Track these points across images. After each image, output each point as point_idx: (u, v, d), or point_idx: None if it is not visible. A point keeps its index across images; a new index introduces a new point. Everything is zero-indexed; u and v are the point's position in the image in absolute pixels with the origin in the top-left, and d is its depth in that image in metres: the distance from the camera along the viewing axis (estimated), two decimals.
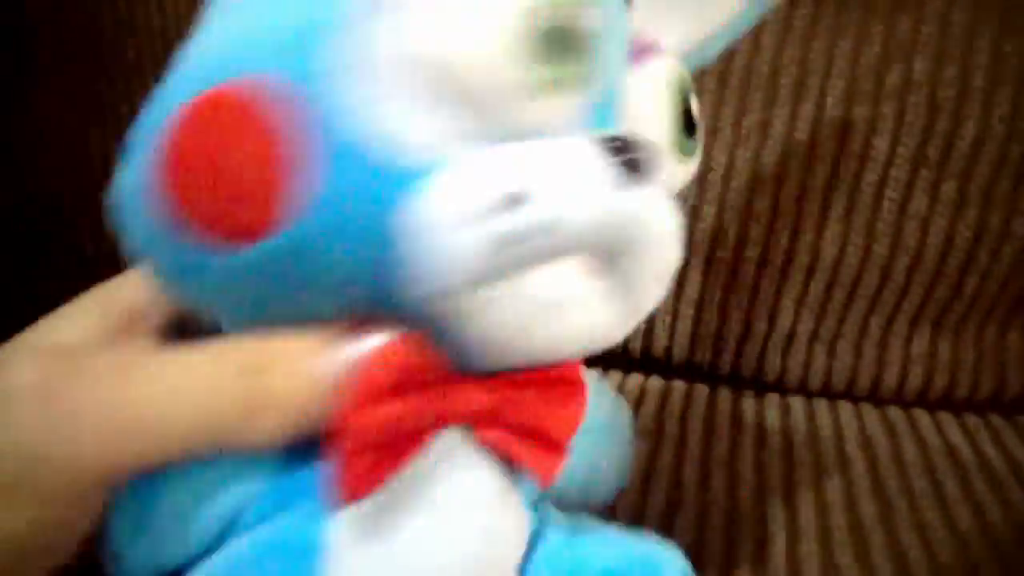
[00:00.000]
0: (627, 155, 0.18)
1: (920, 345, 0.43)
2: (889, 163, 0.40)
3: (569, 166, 0.17)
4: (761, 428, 0.41)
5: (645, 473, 0.37)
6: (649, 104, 0.23)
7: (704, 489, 0.36)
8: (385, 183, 0.17)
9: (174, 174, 0.17)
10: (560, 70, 0.17)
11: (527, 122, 0.18)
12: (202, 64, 0.18)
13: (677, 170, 0.24)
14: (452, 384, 0.19)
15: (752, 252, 0.42)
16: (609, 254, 0.18)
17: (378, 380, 0.18)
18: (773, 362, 0.44)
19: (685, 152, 0.24)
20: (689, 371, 0.46)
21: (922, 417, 0.43)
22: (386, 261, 0.17)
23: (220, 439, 0.18)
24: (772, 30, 0.42)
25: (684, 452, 0.39)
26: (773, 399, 0.44)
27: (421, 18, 0.17)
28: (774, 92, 0.41)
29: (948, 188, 0.40)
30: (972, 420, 0.43)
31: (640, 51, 0.23)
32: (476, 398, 0.19)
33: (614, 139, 0.18)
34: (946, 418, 0.43)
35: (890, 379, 0.43)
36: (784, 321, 0.43)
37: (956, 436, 0.41)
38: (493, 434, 0.20)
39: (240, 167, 0.17)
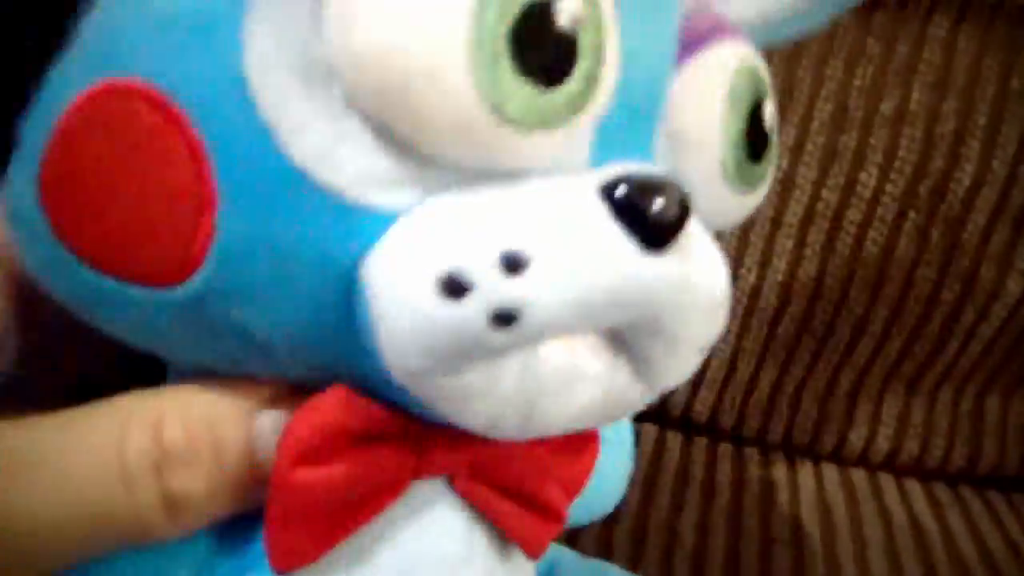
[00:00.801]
0: (645, 205, 0.13)
1: (892, 405, 0.39)
2: (875, 200, 0.36)
3: (576, 221, 0.13)
4: (710, 484, 0.37)
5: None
6: (698, 111, 0.16)
7: (638, 547, 0.32)
8: (325, 226, 0.13)
9: (54, 189, 0.14)
10: (545, 87, 0.13)
11: (506, 160, 0.13)
12: (96, 47, 0.14)
13: (732, 204, 0.17)
14: (423, 438, 0.15)
15: None
16: (629, 330, 0.14)
17: (305, 441, 0.14)
18: (728, 410, 0.40)
19: (745, 180, 0.17)
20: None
21: (887, 483, 0.39)
22: (340, 326, 0.14)
23: (127, 541, 0.14)
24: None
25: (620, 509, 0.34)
26: (726, 451, 0.39)
27: (351, 10, 0.12)
28: None
29: (937, 234, 0.36)
30: (941, 491, 0.39)
31: (698, 34, 0.16)
32: (452, 454, 0.16)
33: (626, 184, 0.13)
34: (913, 487, 0.39)
35: (856, 440, 0.39)
36: (745, 367, 0.39)
37: (922, 508, 0.37)
38: (473, 490, 0.17)
39: (131, 186, 0.13)
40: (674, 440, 0.39)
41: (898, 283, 0.37)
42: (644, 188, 0.13)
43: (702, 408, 0.40)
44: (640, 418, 0.40)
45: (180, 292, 0.14)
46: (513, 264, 0.13)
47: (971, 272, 0.36)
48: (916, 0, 0.37)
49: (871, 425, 0.39)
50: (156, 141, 0.13)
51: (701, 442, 0.40)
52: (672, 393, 0.39)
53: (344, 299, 0.14)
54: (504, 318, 0.12)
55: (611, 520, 0.33)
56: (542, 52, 0.13)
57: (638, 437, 0.39)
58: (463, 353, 0.13)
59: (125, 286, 0.14)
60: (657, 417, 0.41)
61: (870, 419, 0.39)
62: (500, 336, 0.13)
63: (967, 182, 0.35)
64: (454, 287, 0.12)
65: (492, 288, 0.13)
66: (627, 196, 0.13)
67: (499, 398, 0.14)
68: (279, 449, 0.14)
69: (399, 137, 0.13)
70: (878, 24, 0.37)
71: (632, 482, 0.36)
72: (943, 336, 0.37)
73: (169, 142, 0.13)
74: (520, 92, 0.12)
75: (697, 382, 0.40)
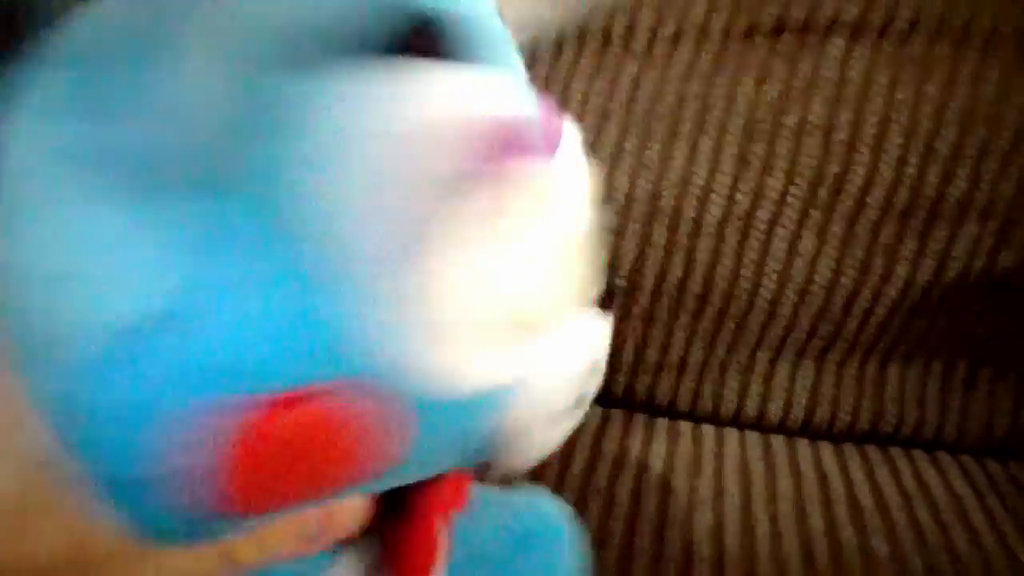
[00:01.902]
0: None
1: (804, 378, 0.45)
2: (782, 201, 0.42)
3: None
4: (645, 455, 0.42)
5: None
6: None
7: (580, 510, 0.37)
8: (470, 415, 0.18)
9: (234, 474, 0.15)
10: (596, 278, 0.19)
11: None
12: (227, 364, 0.15)
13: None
14: None
15: (647, 281, 0.43)
16: None
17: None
18: (664, 388, 0.45)
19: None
20: None
21: (802, 447, 0.44)
22: (472, 458, 0.19)
23: None
24: (680, 62, 0.43)
25: (565, 476, 0.40)
26: (662, 424, 0.45)
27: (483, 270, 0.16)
28: (676, 125, 0.42)
29: (836, 229, 0.42)
30: (849, 450, 0.44)
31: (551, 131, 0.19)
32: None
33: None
34: (825, 448, 0.44)
35: (775, 409, 0.45)
36: (676, 350, 0.44)
37: (830, 466, 0.43)
38: None
39: (324, 468, 0.15)
40: (616, 417, 0.45)
41: (803, 272, 0.42)
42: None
43: (641, 388, 0.45)
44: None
45: None
46: None
47: (865, 261, 0.42)
48: (816, 25, 0.42)
49: (787, 396, 0.45)
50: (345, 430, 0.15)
51: (641, 418, 0.45)
52: (616, 374, 0.45)
53: (483, 448, 0.19)
54: None
55: (557, 488, 0.38)
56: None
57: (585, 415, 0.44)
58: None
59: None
60: (601, 398, 0.46)
61: (786, 391, 0.45)
62: None
63: (859, 184, 0.41)
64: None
65: None
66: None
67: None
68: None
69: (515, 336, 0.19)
70: (784, 47, 0.42)
71: (576, 455, 0.41)
72: (844, 316, 0.43)
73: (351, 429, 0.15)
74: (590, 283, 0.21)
75: (635, 367, 0.45)
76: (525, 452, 0.19)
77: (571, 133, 0.19)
